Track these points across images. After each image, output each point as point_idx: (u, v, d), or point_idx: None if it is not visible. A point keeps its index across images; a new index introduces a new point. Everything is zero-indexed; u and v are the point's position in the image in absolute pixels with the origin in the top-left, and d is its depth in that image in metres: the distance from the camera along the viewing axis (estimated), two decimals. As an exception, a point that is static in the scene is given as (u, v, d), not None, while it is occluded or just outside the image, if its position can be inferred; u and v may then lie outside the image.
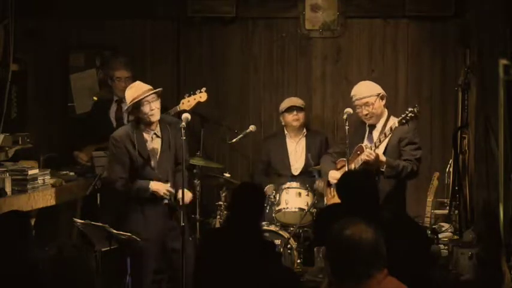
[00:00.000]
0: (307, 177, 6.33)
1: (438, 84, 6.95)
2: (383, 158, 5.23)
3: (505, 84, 4.82)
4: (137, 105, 5.20)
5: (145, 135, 5.28)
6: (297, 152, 6.45)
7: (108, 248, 5.14)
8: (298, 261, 5.80)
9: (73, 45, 7.10)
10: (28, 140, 6.00)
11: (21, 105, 6.49)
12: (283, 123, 6.48)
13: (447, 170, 6.37)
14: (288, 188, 6.09)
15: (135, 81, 5.88)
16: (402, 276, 3.06)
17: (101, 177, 5.60)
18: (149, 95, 5.18)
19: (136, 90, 5.25)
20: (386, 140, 5.30)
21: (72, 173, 6.05)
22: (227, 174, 6.34)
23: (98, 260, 5.31)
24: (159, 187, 5.23)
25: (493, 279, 4.77)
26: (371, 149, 5.23)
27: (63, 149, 6.55)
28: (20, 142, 5.93)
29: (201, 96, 5.66)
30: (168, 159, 5.32)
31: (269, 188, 6.24)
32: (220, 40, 7.13)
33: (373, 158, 5.16)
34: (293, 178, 6.31)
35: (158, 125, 5.31)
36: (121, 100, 6.38)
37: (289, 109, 6.37)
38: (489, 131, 5.06)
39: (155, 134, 5.31)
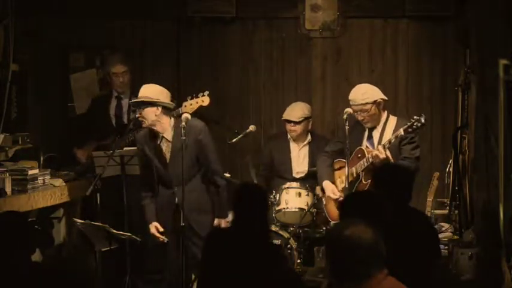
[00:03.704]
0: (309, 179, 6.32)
1: (438, 84, 6.95)
2: (391, 159, 5.23)
3: (505, 84, 4.82)
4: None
5: (157, 137, 5.32)
6: (299, 157, 6.38)
7: (108, 248, 5.15)
8: (298, 261, 5.79)
9: (73, 45, 7.09)
10: (28, 140, 6.00)
11: (21, 105, 6.48)
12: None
13: (447, 170, 6.37)
14: (288, 188, 6.08)
15: (131, 74, 6.15)
16: (405, 275, 3.06)
17: (101, 177, 5.60)
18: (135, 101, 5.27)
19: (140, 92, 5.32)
20: (387, 138, 5.30)
21: (72, 173, 6.05)
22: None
23: (98, 260, 5.31)
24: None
25: (493, 279, 4.77)
26: (383, 148, 5.21)
27: (63, 149, 6.54)
28: (20, 142, 5.93)
29: (204, 100, 5.62)
30: (182, 162, 5.24)
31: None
32: (220, 40, 7.12)
33: (383, 157, 5.15)
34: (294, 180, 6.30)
35: (171, 129, 5.30)
36: (120, 96, 6.39)
37: (287, 120, 6.35)
38: (489, 131, 5.05)
39: (163, 137, 5.31)
